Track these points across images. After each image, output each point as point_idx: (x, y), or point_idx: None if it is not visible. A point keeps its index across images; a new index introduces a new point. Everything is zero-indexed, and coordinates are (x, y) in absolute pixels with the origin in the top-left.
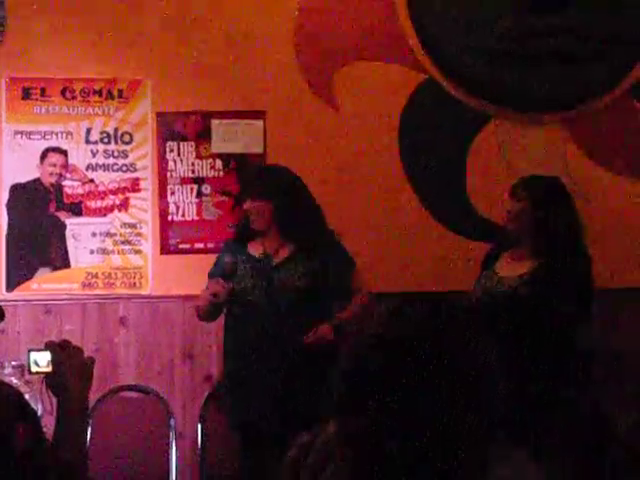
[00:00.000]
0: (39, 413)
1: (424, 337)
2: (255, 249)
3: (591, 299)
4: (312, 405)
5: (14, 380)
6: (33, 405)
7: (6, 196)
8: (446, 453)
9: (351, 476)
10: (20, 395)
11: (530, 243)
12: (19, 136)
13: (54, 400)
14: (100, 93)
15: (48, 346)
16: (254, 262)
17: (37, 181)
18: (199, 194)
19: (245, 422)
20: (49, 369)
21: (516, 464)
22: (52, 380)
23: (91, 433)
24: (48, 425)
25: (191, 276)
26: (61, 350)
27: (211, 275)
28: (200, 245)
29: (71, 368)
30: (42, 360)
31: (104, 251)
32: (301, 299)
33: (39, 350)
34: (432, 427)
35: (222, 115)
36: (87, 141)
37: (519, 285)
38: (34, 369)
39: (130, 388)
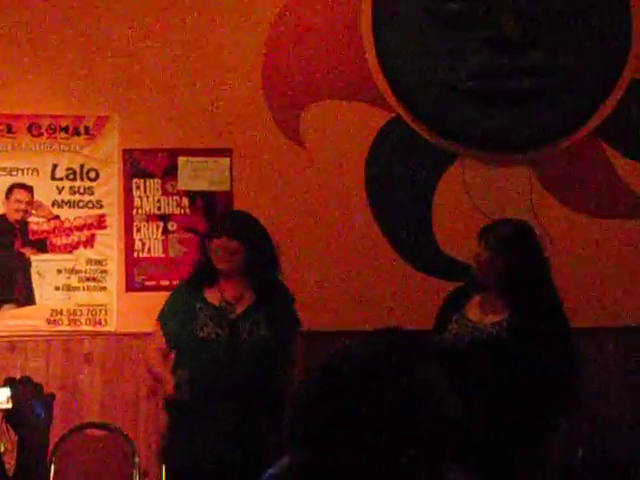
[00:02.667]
0: (1, 449)
1: (366, 375)
2: (213, 296)
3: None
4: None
5: None
6: None
7: None
8: None
9: None
10: None
11: (499, 290)
12: None
13: (14, 436)
14: (67, 130)
15: (7, 382)
16: (213, 310)
17: (2, 217)
18: (165, 231)
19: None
20: (9, 405)
21: None
22: (12, 416)
23: (54, 470)
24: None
25: (156, 313)
26: (21, 386)
27: (162, 321)
28: (166, 282)
29: (31, 404)
30: (1, 396)
31: (69, 288)
32: (263, 350)
33: None
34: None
35: (189, 152)
36: (53, 177)
37: (494, 333)
38: None
39: (94, 425)
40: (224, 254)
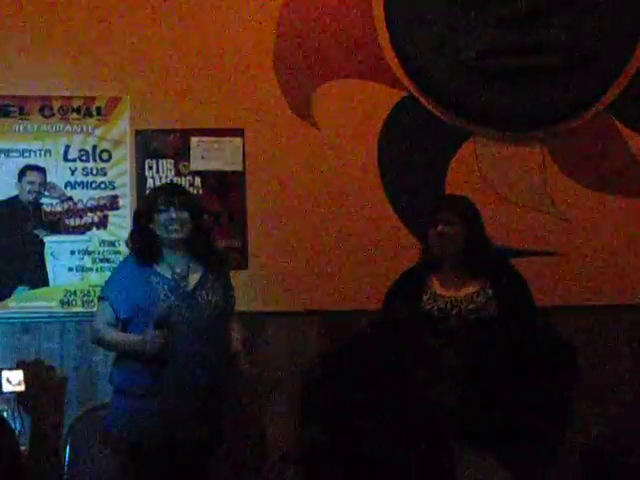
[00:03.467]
0: (17, 430)
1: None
2: (164, 270)
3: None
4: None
5: None
6: (12, 423)
7: None
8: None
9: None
10: None
11: (463, 263)
12: None
13: (27, 419)
14: (79, 111)
15: (20, 365)
16: (168, 282)
17: (15, 199)
18: None
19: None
20: (21, 388)
21: (485, 470)
22: (25, 399)
23: (69, 452)
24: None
25: None
26: (33, 369)
27: (109, 297)
28: None
29: (43, 386)
30: (14, 379)
31: (83, 269)
32: (219, 316)
33: (11, 369)
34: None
35: (201, 133)
36: (66, 159)
37: (483, 302)
38: (6, 388)
39: (109, 406)
40: (176, 225)
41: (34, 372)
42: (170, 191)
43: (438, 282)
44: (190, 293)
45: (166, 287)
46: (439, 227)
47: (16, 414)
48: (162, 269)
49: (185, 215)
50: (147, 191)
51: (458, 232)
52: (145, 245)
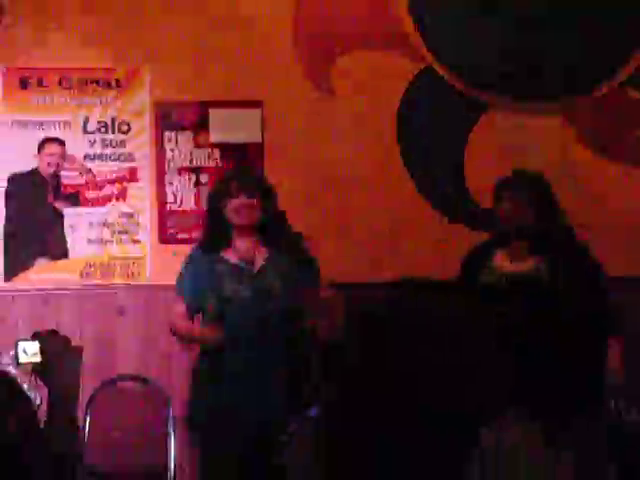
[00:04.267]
0: (37, 402)
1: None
2: (230, 256)
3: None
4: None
5: (12, 369)
6: (31, 394)
7: (4, 186)
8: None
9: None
10: (13, 381)
11: (530, 239)
12: (17, 126)
13: (45, 389)
14: (98, 82)
15: (36, 336)
16: (234, 269)
17: (35, 171)
18: (197, 183)
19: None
20: (38, 359)
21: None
22: (41, 369)
23: (89, 423)
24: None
25: None
26: (49, 339)
27: (182, 288)
28: (198, 234)
29: (59, 357)
30: (31, 350)
31: (102, 241)
32: (285, 300)
33: (27, 340)
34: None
35: (220, 105)
36: (85, 131)
37: (538, 274)
38: (23, 359)
39: (128, 378)
40: (246, 211)
41: (50, 343)
42: (242, 176)
43: (502, 257)
44: (254, 277)
45: (230, 273)
46: (506, 203)
47: (32, 385)
48: (229, 254)
49: (255, 201)
50: (222, 175)
51: (526, 208)
52: (215, 230)
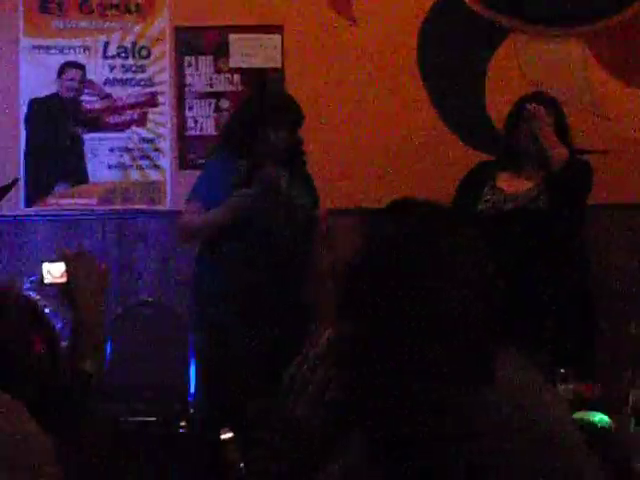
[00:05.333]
0: (58, 326)
1: (420, 247)
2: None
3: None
4: None
5: (33, 294)
6: (53, 320)
7: (24, 111)
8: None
9: (339, 378)
10: (36, 305)
11: (537, 155)
12: (37, 50)
13: (70, 311)
14: (118, 7)
15: (61, 256)
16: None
17: (55, 96)
18: (217, 109)
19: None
20: (63, 280)
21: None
22: (67, 291)
23: (110, 349)
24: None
25: None
26: (75, 260)
27: (196, 192)
28: None
29: (85, 278)
30: (56, 271)
31: (122, 166)
32: (304, 217)
33: (53, 261)
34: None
35: (240, 30)
36: (105, 56)
37: (528, 201)
38: (47, 280)
39: (149, 304)
40: (282, 144)
41: (76, 264)
42: (287, 110)
43: (505, 176)
44: (282, 193)
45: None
46: (531, 105)
47: (57, 307)
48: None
49: (289, 134)
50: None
51: (548, 118)
52: (242, 139)
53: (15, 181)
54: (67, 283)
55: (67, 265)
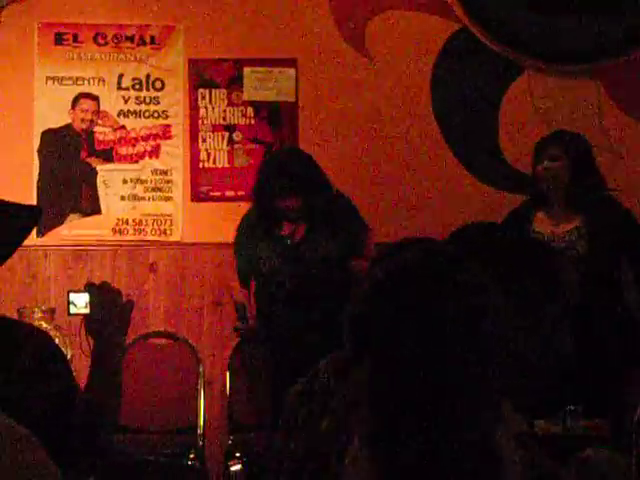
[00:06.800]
0: (68, 357)
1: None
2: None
3: None
4: None
5: (44, 324)
6: (62, 349)
7: (38, 141)
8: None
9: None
10: (50, 338)
11: (566, 200)
12: (51, 82)
13: (91, 342)
14: (132, 39)
15: (87, 287)
16: (273, 243)
17: (68, 127)
18: (230, 141)
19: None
20: (87, 310)
21: None
22: (90, 322)
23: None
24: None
25: (221, 224)
26: (100, 292)
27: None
28: (231, 193)
29: (109, 310)
30: (80, 302)
31: (135, 197)
32: (328, 268)
33: (78, 291)
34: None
35: (254, 63)
36: (119, 87)
37: (573, 240)
38: (72, 310)
39: (159, 334)
40: (294, 214)
41: (101, 295)
42: (286, 174)
43: (541, 218)
44: (292, 248)
45: (270, 248)
46: (545, 162)
47: (78, 338)
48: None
49: (299, 202)
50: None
51: (563, 167)
52: (263, 215)
53: (40, 211)
54: (90, 314)
55: (92, 297)
